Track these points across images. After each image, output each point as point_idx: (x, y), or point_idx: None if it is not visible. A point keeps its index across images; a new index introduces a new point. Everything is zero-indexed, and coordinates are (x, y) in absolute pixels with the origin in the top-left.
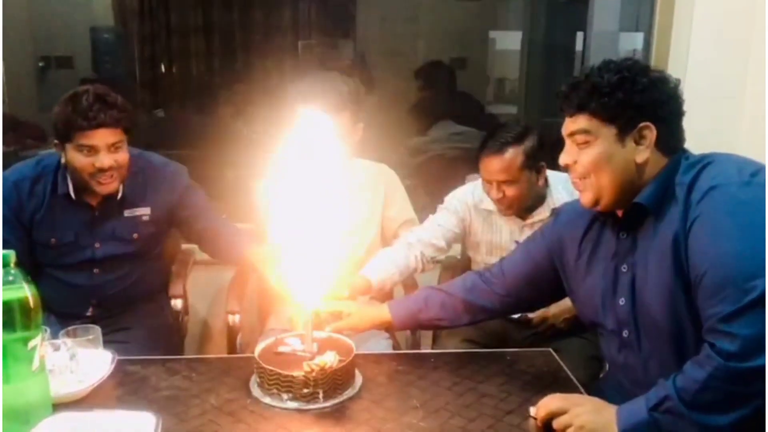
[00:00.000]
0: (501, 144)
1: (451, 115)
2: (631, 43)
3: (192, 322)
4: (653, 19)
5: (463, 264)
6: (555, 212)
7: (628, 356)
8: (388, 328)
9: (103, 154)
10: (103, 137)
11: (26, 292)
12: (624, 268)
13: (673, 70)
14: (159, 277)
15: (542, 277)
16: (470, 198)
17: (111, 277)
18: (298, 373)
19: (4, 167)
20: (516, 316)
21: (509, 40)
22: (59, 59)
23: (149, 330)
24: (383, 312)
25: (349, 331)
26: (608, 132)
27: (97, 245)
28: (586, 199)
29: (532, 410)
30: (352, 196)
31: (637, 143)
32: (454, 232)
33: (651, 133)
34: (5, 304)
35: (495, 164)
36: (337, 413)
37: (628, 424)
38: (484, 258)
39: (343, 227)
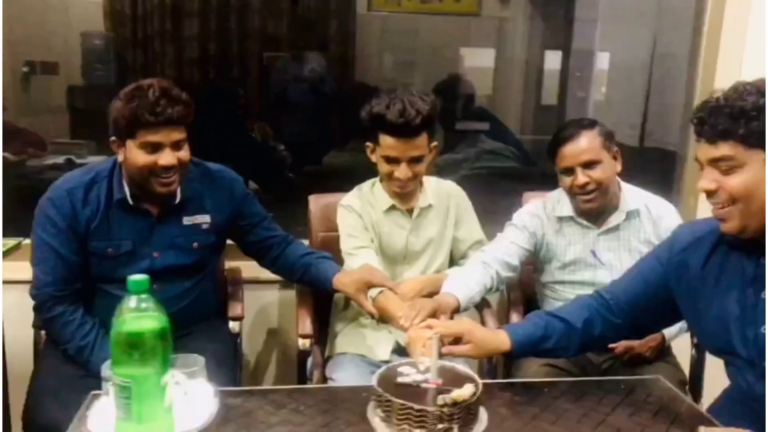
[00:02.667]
0: (576, 130)
1: (477, 131)
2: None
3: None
4: (702, 21)
5: (524, 283)
6: (630, 215)
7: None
8: (508, 355)
9: (167, 151)
10: (168, 134)
11: (165, 322)
12: (764, 294)
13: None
14: (215, 298)
15: (659, 303)
16: (542, 211)
17: (170, 294)
18: (433, 408)
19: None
20: None
21: (482, 58)
22: (45, 65)
23: (210, 355)
24: (502, 338)
25: (465, 357)
26: (757, 157)
27: (155, 255)
28: (731, 226)
29: None
30: (422, 215)
31: None
32: (525, 250)
33: None
34: (144, 334)
35: (576, 147)
36: None
37: None
38: (554, 275)
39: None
